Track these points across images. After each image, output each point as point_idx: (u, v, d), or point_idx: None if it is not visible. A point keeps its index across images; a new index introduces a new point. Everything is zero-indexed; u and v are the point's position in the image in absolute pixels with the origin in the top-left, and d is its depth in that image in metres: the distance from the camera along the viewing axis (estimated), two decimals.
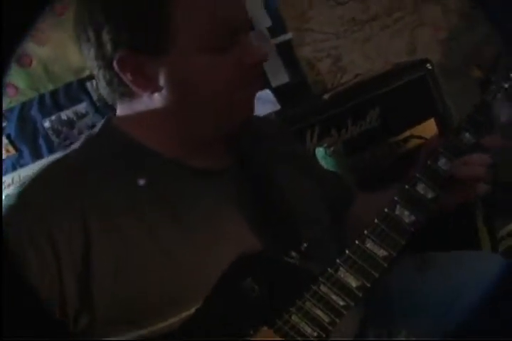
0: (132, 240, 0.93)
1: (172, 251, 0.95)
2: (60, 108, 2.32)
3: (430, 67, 2.21)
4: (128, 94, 1.00)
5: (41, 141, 2.30)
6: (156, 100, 0.99)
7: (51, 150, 2.30)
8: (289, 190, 1.10)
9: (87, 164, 0.97)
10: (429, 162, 1.05)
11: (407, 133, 2.10)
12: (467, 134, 1.09)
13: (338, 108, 1.97)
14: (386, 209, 1.00)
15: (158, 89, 0.97)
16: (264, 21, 2.46)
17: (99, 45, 0.96)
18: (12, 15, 0.88)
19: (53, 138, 2.32)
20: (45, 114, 2.30)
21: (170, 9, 0.93)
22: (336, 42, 2.63)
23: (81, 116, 2.35)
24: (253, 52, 1.00)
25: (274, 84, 2.45)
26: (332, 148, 1.82)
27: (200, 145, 1.05)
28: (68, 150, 1.03)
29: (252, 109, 1.07)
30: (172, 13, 0.93)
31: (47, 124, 2.31)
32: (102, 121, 1.07)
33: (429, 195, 1.03)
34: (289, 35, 2.51)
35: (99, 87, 1.03)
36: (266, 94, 2.39)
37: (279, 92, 2.39)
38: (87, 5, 0.96)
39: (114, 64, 0.96)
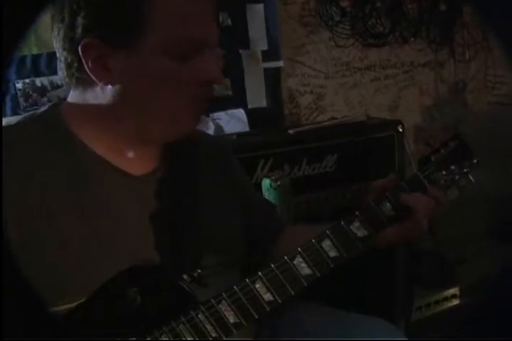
0: (32, 220, 0.96)
1: (67, 240, 0.97)
2: (37, 73, 2.32)
3: (401, 130, 2.26)
4: (83, 81, 1.03)
5: (7, 100, 2.29)
6: (108, 92, 1.01)
7: (15, 112, 2.29)
8: (207, 214, 1.12)
9: (14, 143, 0.99)
10: (342, 222, 1.07)
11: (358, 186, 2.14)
12: (388, 204, 1.10)
13: (299, 145, 2.00)
14: (286, 257, 1.03)
15: (113, 81, 1.00)
16: (261, 44, 2.50)
17: (71, 27, 0.98)
18: (12, 15, 0.90)
19: (21, 100, 2.31)
20: (21, 75, 2.29)
21: (148, 10, 0.96)
22: (323, 82, 2.67)
23: (56, 87, 2.34)
24: (211, 69, 1.03)
25: (250, 106, 2.47)
26: (279, 182, 1.84)
27: (133, 146, 1.07)
28: (6, 125, 1.05)
29: (193, 126, 1.09)
30: (149, 13, 0.96)
31: (19, 85, 2.30)
32: (49, 104, 1.09)
33: (332, 254, 1.05)
34: (280, 63, 2.54)
35: (58, 68, 1.05)
36: (239, 112, 2.42)
37: (252, 114, 2.43)
38: None
39: (79, 48, 0.98)
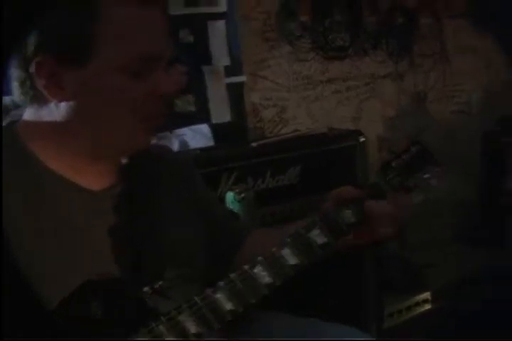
0: None
1: (28, 257, 0.97)
2: None
3: (362, 140, 2.29)
4: (38, 99, 1.03)
5: None
6: (62, 109, 1.02)
7: None
8: (170, 229, 1.13)
9: None
10: (302, 230, 1.08)
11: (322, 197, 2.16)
12: (348, 212, 1.11)
13: (261, 158, 2.02)
14: (246, 266, 1.03)
15: (67, 98, 1.01)
16: (223, 60, 2.52)
17: (23, 46, 0.99)
18: (12, 16, 0.91)
19: None
20: None
21: (100, 28, 0.98)
22: (285, 95, 2.71)
23: (17, 106, 2.33)
24: (166, 82, 1.04)
25: (214, 121, 2.49)
26: (243, 195, 1.86)
27: (89, 162, 1.08)
28: None
29: (147, 142, 1.10)
30: (101, 32, 0.98)
31: None
32: (6, 122, 1.10)
33: (292, 262, 1.06)
34: (242, 78, 2.57)
35: (12, 87, 1.05)
36: (204, 128, 2.44)
37: (216, 129, 2.44)
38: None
39: (32, 66, 0.99)
